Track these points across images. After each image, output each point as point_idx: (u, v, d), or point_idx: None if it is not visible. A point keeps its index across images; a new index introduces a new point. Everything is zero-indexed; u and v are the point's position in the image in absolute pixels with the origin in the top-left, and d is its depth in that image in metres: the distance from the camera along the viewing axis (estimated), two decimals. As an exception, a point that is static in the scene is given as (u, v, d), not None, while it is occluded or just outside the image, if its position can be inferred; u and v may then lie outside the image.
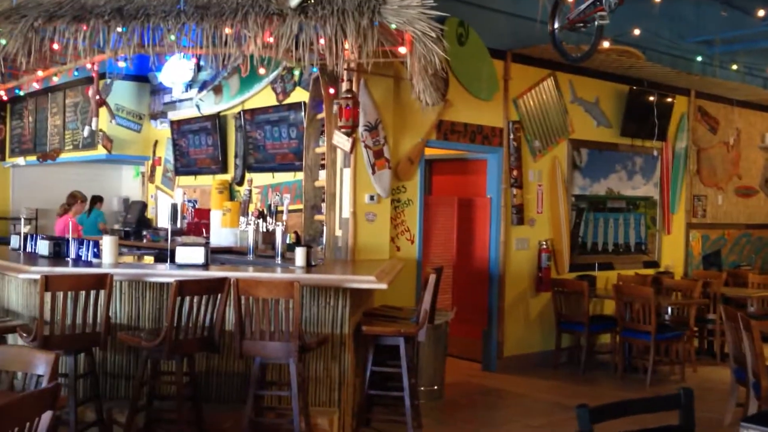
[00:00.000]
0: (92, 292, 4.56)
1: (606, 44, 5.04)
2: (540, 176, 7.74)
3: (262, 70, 5.66)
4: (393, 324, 5.18)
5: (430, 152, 7.19)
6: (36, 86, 6.97)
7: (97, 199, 10.42)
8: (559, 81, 7.87)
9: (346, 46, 4.68)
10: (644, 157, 8.79)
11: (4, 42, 4.67)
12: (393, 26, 4.59)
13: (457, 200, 7.57)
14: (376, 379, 5.24)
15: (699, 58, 8.66)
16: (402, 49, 4.83)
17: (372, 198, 6.31)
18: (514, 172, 7.43)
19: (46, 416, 2.46)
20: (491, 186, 7.47)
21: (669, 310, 7.76)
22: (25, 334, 4.46)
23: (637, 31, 6.47)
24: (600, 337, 8.00)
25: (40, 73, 6.07)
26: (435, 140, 6.88)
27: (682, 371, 7.39)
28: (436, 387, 6.24)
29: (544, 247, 7.67)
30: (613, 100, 8.41)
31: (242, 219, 7.46)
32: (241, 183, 8.66)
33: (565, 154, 8.00)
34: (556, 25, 5.20)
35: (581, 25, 4.91)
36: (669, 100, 8.73)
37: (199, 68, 9.02)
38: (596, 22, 4.73)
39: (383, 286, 4.77)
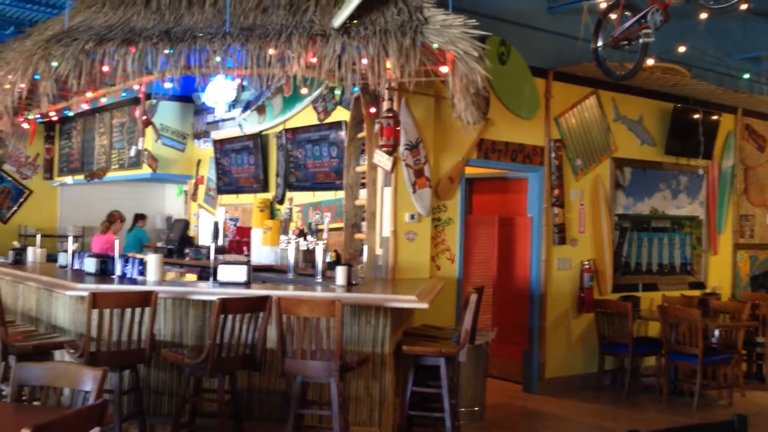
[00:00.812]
0: (137, 310, 4.63)
1: (650, 62, 4.98)
2: (582, 195, 7.64)
3: (304, 90, 5.73)
4: (433, 344, 5.14)
5: (470, 171, 7.17)
6: (85, 107, 7.15)
7: (139, 217, 10.61)
8: (602, 99, 7.79)
9: (388, 65, 4.71)
10: (689, 175, 8.63)
11: (56, 64, 4.81)
12: (435, 46, 4.60)
13: (498, 219, 7.51)
14: (417, 399, 5.20)
15: (746, 75, 8.50)
16: (444, 69, 4.84)
17: (412, 217, 6.30)
18: (556, 191, 7.35)
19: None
20: (532, 205, 7.40)
21: (716, 332, 7.56)
22: (72, 351, 4.53)
23: (682, 48, 6.37)
24: (644, 360, 7.83)
25: (89, 94, 6.23)
26: (476, 159, 6.85)
27: (730, 396, 7.18)
28: (476, 408, 6.16)
29: (587, 267, 7.55)
30: (657, 118, 8.29)
31: (283, 237, 7.52)
32: (282, 201, 8.73)
33: (608, 172, 7.89)
34: (600, 43, 5.16)
35: (625, 42, 4.87)
36: (715, 117, 8.57)
37: (241, 88, 9.16)
38: (641, 40, 4.68)
39: (424, 305, 4.75)
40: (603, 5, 5.09)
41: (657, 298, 8.06)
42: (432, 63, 4.99)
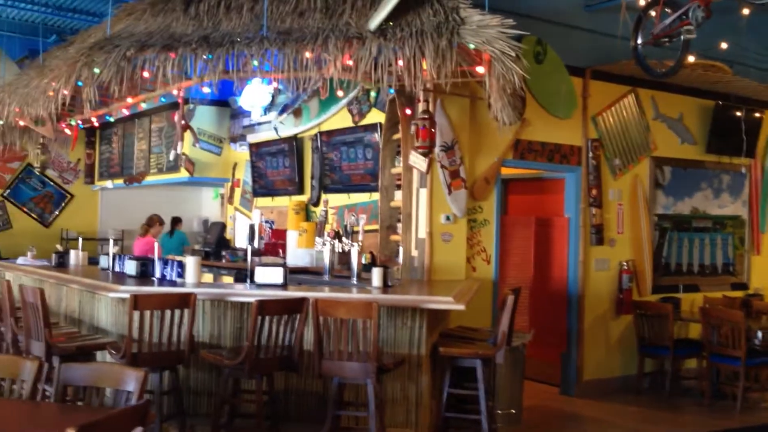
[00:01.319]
0: (177, 311, 4.69)
1: (691, 59, 4.88)
2: (620, 195, 7.54)
3: (339, 93, 5.75)
4: (470, 345, 5.12)
5: (506, 172, 7.12)
6: (125, 112, 7.29)
7: (177, 221, 10.76)
8: (641, 97, 7.68)
9: (425, 66, 4.70)
10: (731, 174, 8.45)
11: (98, 71, 4.90)
12: (472, 46, 4.58)
13: (535, 220, 7.45)
14: (453, 401, 5.18)
15: (790, 72, 8.30)
16: (480, 69, 4.81)
17: (448, 218, 6.28)
18: (594, 191, 7.26)
19: (137, 431, 2.54)
20: (569, 205, 7.32)
21: (759, 334, 7.38)
22: (114, 352, 4.61)
23: (724, 45, 6.24)
24: (685, 362, 7.69)
25: (129, 100, 6.34)
26: (511, 159, 6.81)
27: (774, 399, 7.02)
28: (513, 411, 6.11)
29: (625, 268, 7.45)
30: (698, 116, 8.14)
31: (318, 239, 7.55)
32: (317, 204, 8.78)
33: (647, 172, 7.77)
34: (640, 41, 5.08)
35: (666, 39, 4.79)
36: (757, 115, 8.39)
37: (277, 92, 9.23)
38: (682, 37, 4.60)
39: (461, 307, 4.73)
40: (642, 2, 5.01)
41: (698, 300, 7.91)
42: (468, 64, 4.97)
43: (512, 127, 6.36)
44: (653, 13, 5.11)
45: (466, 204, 6.36)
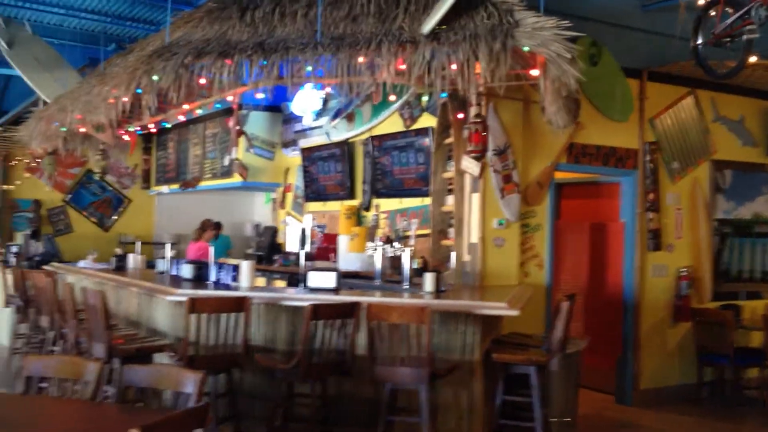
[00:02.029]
0: (232, 315, 4.75)
1: (753, 59, 4.73)
2: (679, 199, 7.36)
3: (392, 97, 5.75)
4: (523, 352, 5.05)
5: (559, 176, 7.02)
6: (181, 118, 7.44)
7: (219, 226, 10.91)
8: (700, 99, 7.49)
9: (478, 70, 4.66)
10: (795, 178, 8.17)
11: (156, 78, 5.01)
12: (526, 49, 4.53)
13: (589, 225, 7.32)
14: (506, 408, 5.11)
15: None
16: (534, 72, 4.75)
17: (501, 223, 6.22)
18: (651, 196, 7.10)
19: (197, 433, 2.57)
20: (625, 210, 7.18)
21: (826, 343, 7.11)
22: (172, 354, 4.69)
23: (788, 45, 6.03)
24: (746, 371, 7.45)
25: (186, 107, 6.47)
26: (565, 163, 6.71)
27: (843, 411, 6.74)
28: (568, 419, 6.00)
29: (684, 274, 7.26)
30: (760, 118, 7.90)
31: (369, 244, 7.56)
32: (368, 208, 8.80)
33: (707, 175, 7.57)
34: (700, 41, 4.94)
35: (727, 39, 4.65)
36: (822, 116, 8.09)
37: (328, 96, 9.30)
38: (744, 37, 4.46)
39: (515, 312, 4.67)
40: (702, 1, 4.87)
41: (760, 307, 7.66)
42: (522, 66, 4.92)
43: (566, 130, 6.28)
44: (713, 13, 4.98)
45: (519, 208, 6.29)
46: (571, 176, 7.49)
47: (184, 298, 4.81)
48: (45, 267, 8.79)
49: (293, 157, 10.41)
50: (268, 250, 9.72)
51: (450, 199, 6.71)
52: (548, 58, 4.50)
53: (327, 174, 9.52)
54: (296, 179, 10.47)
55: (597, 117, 6.81)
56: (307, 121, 9.76)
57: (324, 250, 9.15)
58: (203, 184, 11.41)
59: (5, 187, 12.03)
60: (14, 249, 10.30)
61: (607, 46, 6.71)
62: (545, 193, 6.59)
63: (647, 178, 7.10)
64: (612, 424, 6.44)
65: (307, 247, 8.29)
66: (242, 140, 7.68)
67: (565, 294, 5.28)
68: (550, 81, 4.66)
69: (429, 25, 4.83)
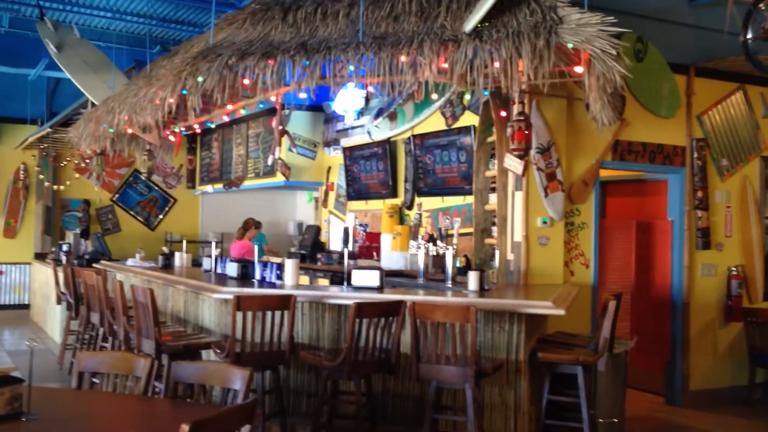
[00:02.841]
0: (277, 312, 4.80)
1: (807, 52, 4.61)
2: (728, 197, 7.20)
3: (434, 96, 5.74)
4: (570, 351, 5.00)
5: (604, 173, 6.93)
6: (225, 119, 7.53)
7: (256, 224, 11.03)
8: (750, 94, 7.31)
9: (521, 68, 4.63)
10: None
11: (201, 79, 5.08)
12: (570, 45, 4.47)
13: (635, 223, 7.20)
14: (552, 408, 5.07)
15: None
16: (579, 69, 4.69)
17: (545, 221, 6.16)
18: (699, 193, 6.96)
19: (245, 429, 2.61)
20: (673, 208, 7.05)
21: None
22: (219, 351, 4.76)
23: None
24: (801, 374, 7.26)
25: (229, 107, 6.55)
26: (611, 161, 6.62)
27: None
28: (615, 420, 5.92)
29: (735, 273, 7.09)
30: (812, 113, 7.67)
31: (412, 242, 7.57)
32: (410, 207, 8.80)
33: (757, 172, 7.39)
34: (750, 35, 4.83)
35: (779, 34, 4.53)
36: None
37: (369, 96, 9.32)
38: (797, 30, 4.34)
39: (561, 311, 4.62)
40: (752, -5, 4.77)
41: (815, 308, 7.45)
42: (566, 63, 4.86)
43: (611, 127, 6.18)
44: (763, 7, 4.86)
45: (563, 207, 6.22)
46: (617, 174, 7.38)
47: (230, 296, 4.88)
48: (94, 265, 9.00)
49: (335, 156, 10.47)
50: (311, 249, 9.79)
51: (493, 198, 6.67)
52: (593, 55, 4.43)
53: (369, 173, 9.55)
54: (338, 178, 10.53)
55: (643, 114, 6.70)
56: (349, 120, 9.80)
57: (366, 249, 9.18)
58: (246, 183, 11.54)
59: (56, 187, 12.36)
60: (65, 247, 10.57)
61: (653, 41, 6.59)
62: (590, 191, 6.51)
63: (695, 175, 6.96)
64: (661, 426, 6.33)
65: (350, 246, 8.35)
66: (285, 140, 7.74)
67: (611, 293, 5.21)
68: (594, 78, 4.60)
69: (471, 23, 4.80)
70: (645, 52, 6.57)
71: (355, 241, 9.50)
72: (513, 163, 6.02)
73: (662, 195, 7.17)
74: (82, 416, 3.01)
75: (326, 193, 10.95)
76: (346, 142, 10.02)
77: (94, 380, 3.65)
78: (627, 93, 6.51)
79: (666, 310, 6.99)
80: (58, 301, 8.83)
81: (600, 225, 6.64)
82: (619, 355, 5.79)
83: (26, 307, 12.50)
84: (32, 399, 2.86)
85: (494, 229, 6.61)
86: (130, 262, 8.46)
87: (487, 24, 4.76)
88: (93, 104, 8.70)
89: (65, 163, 12.43)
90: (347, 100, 9.44)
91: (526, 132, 5.74)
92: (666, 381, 6.99)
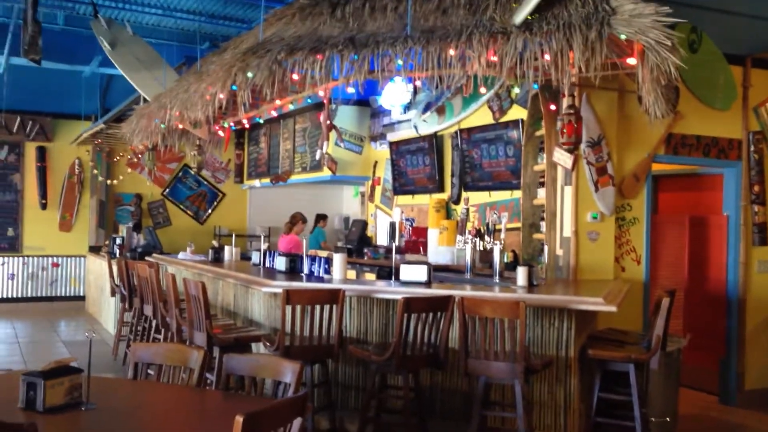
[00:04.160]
0: (326, 306, 4.83)
1: None
2: (787, 192, 6.98)
3: (482, 89, 5.69)
4: (621, 349, 4.92)
5: (656, 168, 6.78)
6: (273, 114, 7.60)
7: (320, 218, 11.11)
8: (809, 86, 7.06)
9: (572, 60, 4.55)
10: None
11: (251, 75, 5.13)
12: (623, 37, 4.38)
13: (689, 218, 7.04)
14: (603, 406, 4.99)
15: None
16: (631, 60, 4.59)
17: (595, 216, 6.07)
18: (756, 188, 6.76)
19: (297, 422, 2.63)
20: (728, 203, 6.87)
21: None
22: (268, 344, 4.82)
23: None
24: None
25: (278, 102, 6.61)
26: (663, 155, 6.47)
27: None
28: (668, 419, 5.80)
29: (792, 270, 6.89)
30: None
31: (459, 237, 7.54)
32: (457, 202, 8.76)
33: (817, 166, 7.14)
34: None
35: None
36: None
37: (416, 90, 9.30)
38: None
39: (612, 308, 4.55)
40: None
41: None
42: (618, 55, 4.76)
43: (664, 120, 6.04)
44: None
45: (614, 202, 6.12)
46: (670, 168, 7.22)
47: (279, 290, 4.93)
48: (147, 258, 9.20)
49: (381, 151, 10.48)
50: (357, 243, 9.83)
51: (541, 192, 6.59)
52: (647, 46, 4.33)
53: (415, 167, 9.53)
54: (384, 173, 10.54)
55: (697, 106, 6.54)
56: (396, 114, 9.79)
57: (413, 244, 9.18)
58: (293, 177, 11.64)
59: (109, 182, 12.65)
60: (118, 241, 10.83)
61: (707, 32, 6.42)
62: (642, 186, 6.38)
63: (752, 169, 6.76)
64: (715, 426, 6.18)
65: (396, 241, 8.36)
66: (332, 134, 7.77)
67: (664, 289, 5.10)
68: (648, 70, 4.49)
69: (521, 15, 4.74)
70: (699, 43, 6.41)
71: (401, 236, 9.50)
72: (562, 157, 5.93)
73: (717, 189, 6.99)
74: (138, 406, 3.08)
75: (373, 188, 10.98)
76: (392, 136, 10.02)
77: (149, 371, 3.73)
78: (681, 85, 6.35)
79: (720, 307, 6.83)
80: (112, 293, 9.05)
81: (652, 220, 6.51)
82: (672, 353, 5.67)
83: (81, 298, 12.85)
84: (90, 389, 2.93)
85: (542, 224, 6.53)
86: (181, 255, 8.62)
87: (537, 16, 4.70)
88: (145, 100, 8.87)
89: (118, 158, 12.72)
90: (394, 95, 9.43)
91: (576, 125, 5.65)
92: (720, 380, 6.83)
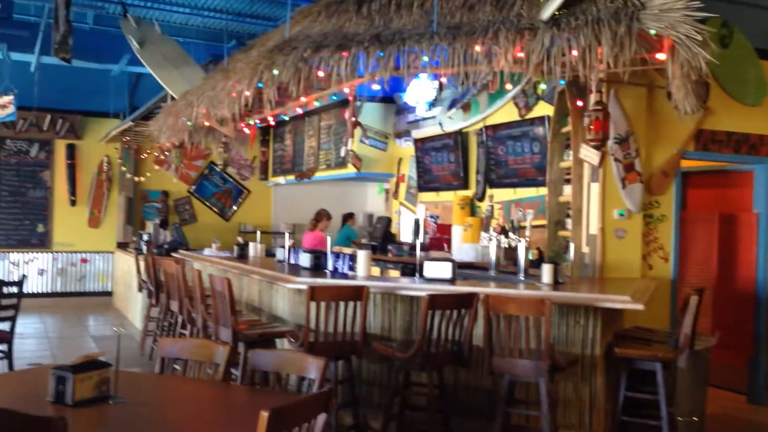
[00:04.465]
0: (350, 303, 4.83)
1: None
2: (820, 189, 6.84)
3: (508, 86, 5.66)
4: (648, 347, 4.86)
5: (685, 164, 6.69)
6: (299, 111, 7.63)
7: (348, 216, 11.12)
8: (843, 81, 6.91)
9: (600, 56, 4.50)
10: None
11: (277, 72, 5.16)
12: (653, 32, 4.33)
13: (718, 216, 6.94)
14: (629, 404, 4.94)
15: None
16: (661, 56, 4.54)
17: (622, 213, 6.01)
18: (788, 185, 6.64)
19: (321, 418, 2.63)
20: (759, 200, 6.76)
21: None
22: (293, 340, 4.84)
23: None
24: None
25: (303, 99, 6.63)
26: (692, 151, 6.39)
27: None
28: (695, 418, 5.73)
29: (825, 268, 6.75)
30: None
31: (483, 234, 7.51)
32: (482, 199, 8.72)
33: None
34: None
35: None
36: None
37: (441, 87, 9.27)
38: None
39: (640, 306, 4.50)
40: None
41: None
42: (647, 50, 4.70)
43: (694, 116, 5.97)
44: None
45: (641, 198, 6.05)
46: (699, 165, 7.12)
47: (304, 286, 4.95)
48: (173, 254, 9.29)
49: (406, 148, 10.47)
50: (381, 240, 9.83)
51: (567, 189, 6.54)
52: (677, 41, 4.28)
53: (440, 164, 9.51)
54: (409, 169, 10.52)
55: (728, 102, 6.44)
56: (420, 111, 9.78)
57: (437, 241, 9.16)
58: (318, 174, 11.68)
59: (137, 179, 12.80)
60: (145, 237, 10.95)
61: (739, 26, 6.31)
62: (670, 183, 6.30)
63: (784, 165, 6.65)
64: (743, 425, 6.10)
65: (421, 238, 8.35)
66: (356, 131, 7.79)
67: (692, 288, 5.03)
68: (678, 65, 4.44)
69: (548, 10, 4.70)
70: (730, 38, 6.31)
71: (425, 233, 9.48)
72: (589, 154, 5.88)
73: (747, 186, 6.88)
74: (165, 400, 3.12)
75: (397, 185, 10.97)
76: (417, 133, 10.00)
77: (175, 366, 3.76)
78: (711, 80, 6.26)
79: (750, 305, 6.72)
80: (140, 289, 9.15)
81: (681, 217, 6.43)
82: (700, 351, 5.59)
83: (109, 294, 13.03)
84: (118, 383, 2.97)
85: (568, 221, 6.48)
86: (206, 251, 8.69)
87: (564, 11, 4.65)
88: (172, 98, 8.95)
89: (145, 155, 12.85)
90: (419, 92, 9.42)
91: (604, 122, 5.59)
92: (749, 379, 6.73)
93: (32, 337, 9.47)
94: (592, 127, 5.58)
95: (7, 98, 10.01)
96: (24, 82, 10.44)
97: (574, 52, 4.52)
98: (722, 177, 7.36)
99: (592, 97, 5.67)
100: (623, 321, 5.72)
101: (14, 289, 6.18)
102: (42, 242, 12.69)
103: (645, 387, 4.87)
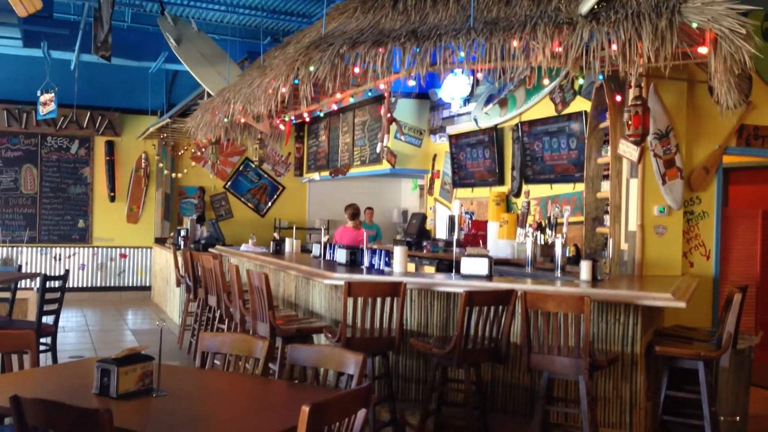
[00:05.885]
0: (387, 299, 4.84)
1: None
2: None
3: (545, 81, 5.61)
4: (690, 346, 4.78)
5: (727, 160, 6.55)
6: (334, 107, 7.64)
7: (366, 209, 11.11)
8: None
9: (641, 50, 4.43)
10: None
11: (313, 68, 5.17)
12: (694, 25, 4.24)
13: (762, 212, 6.79)
14: (670, 403, 4.87)
15: None
16: (703, 50, 4.45)
17: (662, 210, 5.92)
18: (834, 181, 6.48)
19: (362, 413, 2.65)
20: (803, 196, 6.60)
21: None
22: (330, 335, 4.86)
23: None
24: None
25: (338, 95, 6.64)
26: (735, 147, 6.26)
27: None
28: (738, 418, 5.62)
29: None
30: None
31: (520, 231, 7.46)
32: (518, 195, 8.66)
33: None
34: None
35: None
36: None
37: (476, 83, 9.22)
38: None
39: (681, 304, 4.43)
40: None
41: None
42: (687, 44, 4.62)
43: (736, 111, 5.85)
44: None
45: (682, 195, 5.95)
46: (742, 160, 6.96)
47: (340, 282, 4.96)
48: (210, 250, 9.39)
49: (441, 144, 10.44)
50: (416, 236, 9.82)
51: (605, 186, 6.46)
52: (719, 35, 4.19)
53: (475, 160, 9.46)
54: (444, 166, 10.49)
55: (772, 96, 6.30)
56: (455, 107, 9.74)
57: (472, 237, 9.12)
58: (352, 171, 11.70)
59: (174, 175, 12.97)
60: (182, 233, 11.09)
61: (783, 18, 6.17)
62: (712, 179, 6.19)
63: (830, 161, 6.47)
64: (786, 427, 5.96)
65: (456, 234, 8.33)
66: (392, 127, 7.79)
67: (734, 285, 4.94)
68: (720, 59, 4.35)
69: (588, 4, 4.64)
70: (774, 30, 6.16)
71: (460, 229, 9.45)
72: (628, 150, 5.80)
73: (792, 182, 6.72)
74: (206, 394, 3.16)
75: (432, 181, 10.95)
76: (452, 129, 9.97)
77: (215, 360, 3.81)
78: (753, 74, 6.13)
79: (795, 304, 6.57)
80: (178, 284, 9.27)
81: (722, 214, 6.31)
82: (743, 350, 5.49)
83: (147, 288, 13.23)
84: (160, 376, 3.01)
85: (606, 217, 6.40)
86: (243, 247, 8.77)
87: (604, 5, 4.59)
88: (209, 95, 9.03)
89: (182, 151, 13.01)
90: (454, 88, 9.38)
91: (643, 117, 5.51)
92: (794, 380, 6.59)
93: (73, 331, 9.67)
94: (631, 122, 5.50)
95: (48, 96, 10.21)
96: (64, 80, 10.64)
97: (614, 47, 4.46)
98: (765, 173, 7.18)
99: (632, 92, 5.59)
100: (664, 319, 5.64)
101: (58, 284, 6.31)
102: (82, 237, 12.92)
103: (687, 386, 4.79)
